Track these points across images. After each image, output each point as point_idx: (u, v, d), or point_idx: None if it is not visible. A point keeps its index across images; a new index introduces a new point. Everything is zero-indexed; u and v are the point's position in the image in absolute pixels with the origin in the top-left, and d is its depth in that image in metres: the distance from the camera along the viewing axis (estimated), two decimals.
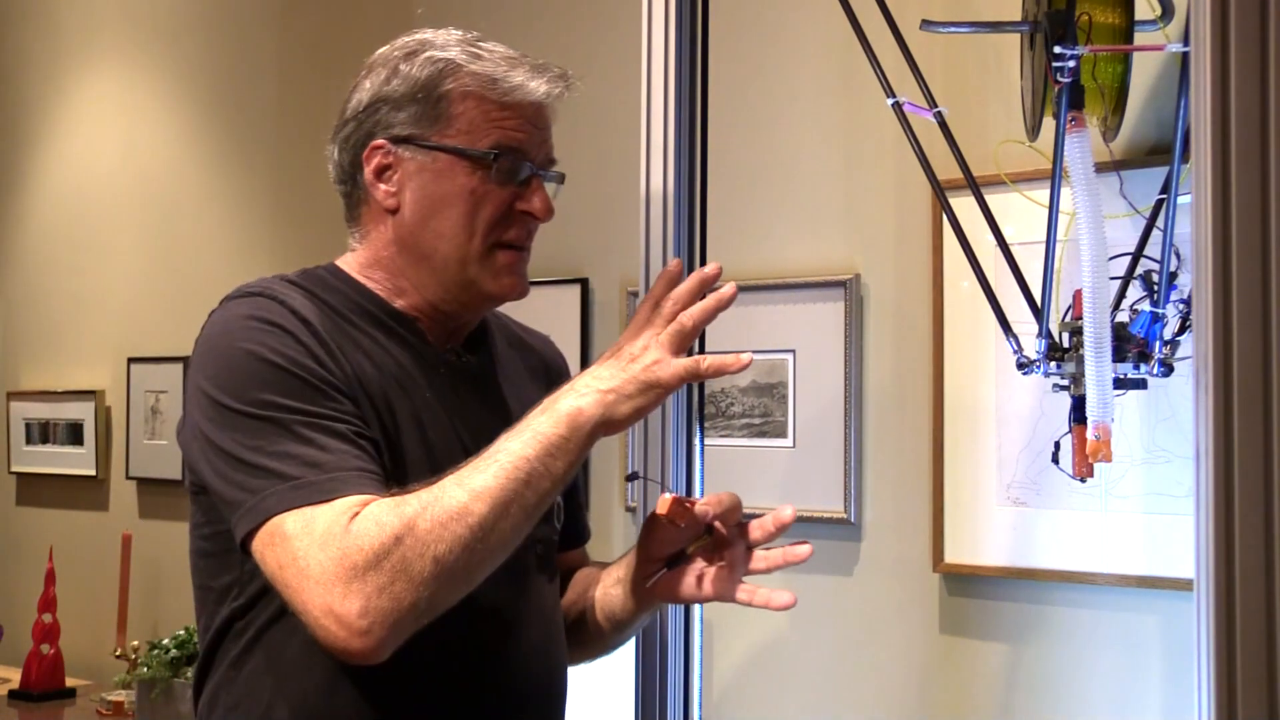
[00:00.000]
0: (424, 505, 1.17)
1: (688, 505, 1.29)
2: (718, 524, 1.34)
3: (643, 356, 1.23)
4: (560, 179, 1.42)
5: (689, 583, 1.36)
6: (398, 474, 1.28)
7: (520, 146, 1.36)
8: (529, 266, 1.42)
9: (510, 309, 1.53)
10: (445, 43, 1.38)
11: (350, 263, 1.43)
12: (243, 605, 1.32)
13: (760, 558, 1.34)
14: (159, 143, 3.49)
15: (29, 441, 3.74)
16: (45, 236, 3.78)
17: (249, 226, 3.30)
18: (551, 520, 1.45)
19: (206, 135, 3.39)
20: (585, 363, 2.56)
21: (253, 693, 1.31)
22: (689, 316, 1.25)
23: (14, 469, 3.79)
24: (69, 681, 3.27)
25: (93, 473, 3.56)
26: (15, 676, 3.30)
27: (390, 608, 1.14)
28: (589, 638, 1.51)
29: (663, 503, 1.28)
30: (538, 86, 1.36)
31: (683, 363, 1.22)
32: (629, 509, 2.52)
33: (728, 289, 1.27)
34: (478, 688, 1.34)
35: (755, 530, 1.34)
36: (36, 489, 3.75)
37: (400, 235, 1.39)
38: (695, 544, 1.34)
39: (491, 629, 1.35)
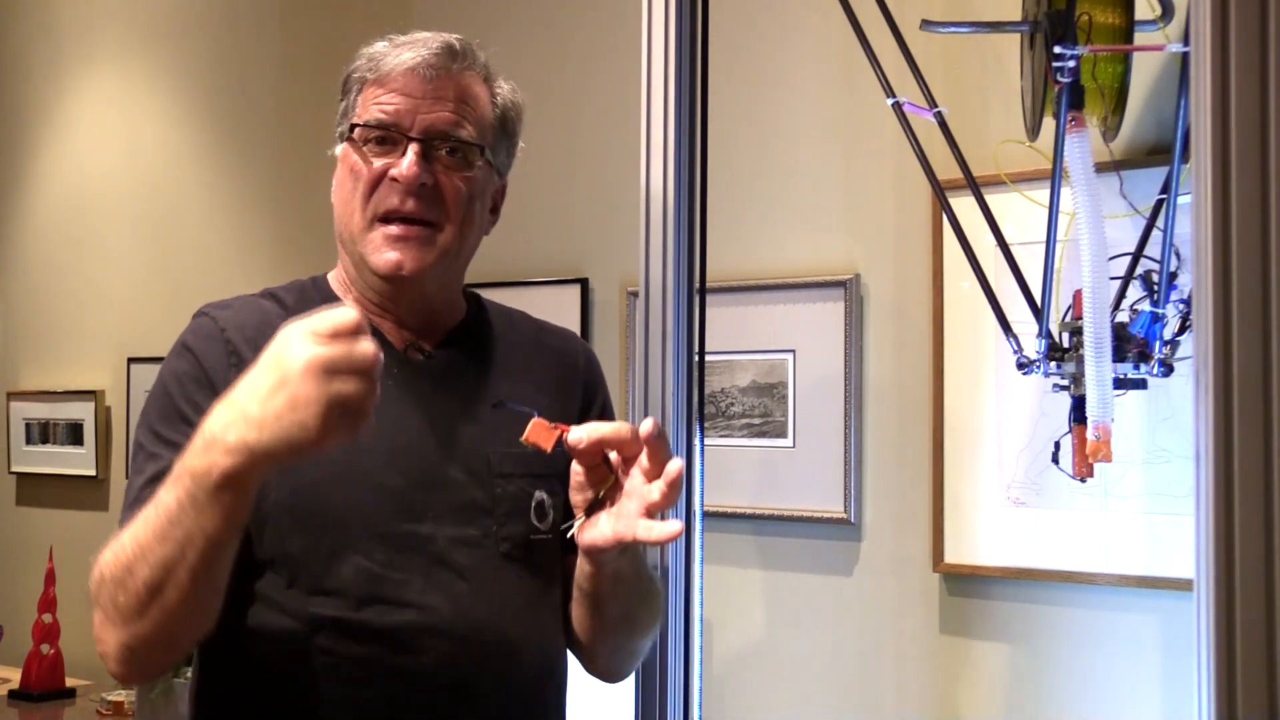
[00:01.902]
0: (113, 556, 1.21)
1: (553, 430, 1.27)
2: (613, 456, 1.28)
3: None
4: (449, 145, 1.35)
5: (601, 528, 1.28)
6: (313, 486, 1.29)
7: (388, 117, 1.34)
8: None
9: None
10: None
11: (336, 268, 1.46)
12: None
13: (653, 489, 1.24)
14: (159, 143, 3.49)
15: (29, 441, 3.74)
16: (45, 236, 3.78)
17: (248, 226, 3.30)
18: (528, 517, 1.39)
19: (206, 135, 3.39)
20: None
21: (218, 691, 1.34)
22: None
23: (14, 469, 3.78)
24: (69, 681, 3.26)
25: (93, 473, 3.56)
26: (15, 676, 3.29)
27: (111, 640, 1.20)
28: (587, 622, 1.44)
29: (529, 427, 1.28)
30: (406, 56, 1.35)
31: None
32: None
33: None
34: (423, 682, 1.31)
35: (643, 461, 1.26)
36: (36, 489, 3.75)
37: (335, 229, 1.42)
38: (604, 486, 1.31)
39: (440, 624, 1.32)
